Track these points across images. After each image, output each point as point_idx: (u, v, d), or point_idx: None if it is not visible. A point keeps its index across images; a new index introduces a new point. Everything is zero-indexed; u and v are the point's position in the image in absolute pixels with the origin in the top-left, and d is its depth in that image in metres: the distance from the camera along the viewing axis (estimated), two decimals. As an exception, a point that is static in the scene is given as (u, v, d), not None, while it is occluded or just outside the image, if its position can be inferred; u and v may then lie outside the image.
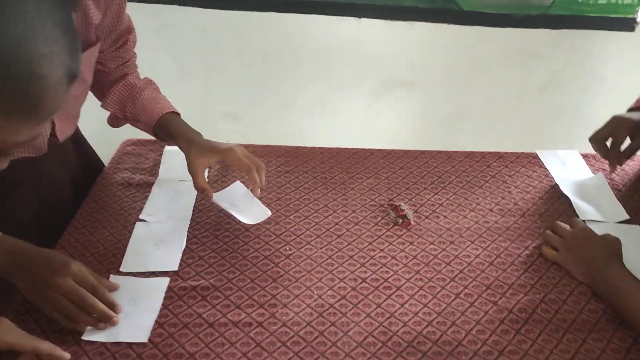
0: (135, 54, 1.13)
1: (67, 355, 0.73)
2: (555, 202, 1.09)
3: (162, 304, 0.84)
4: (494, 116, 2.18)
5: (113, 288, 0.85)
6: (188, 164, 0.97)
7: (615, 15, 1.94)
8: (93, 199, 1.07)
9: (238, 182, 1.05)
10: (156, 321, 0.81)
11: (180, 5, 2.07)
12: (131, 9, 1.05)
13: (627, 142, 1.06)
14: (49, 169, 1.03)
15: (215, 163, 1.03)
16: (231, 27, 2.13)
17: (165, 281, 0.88)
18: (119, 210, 1.04)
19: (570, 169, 1.17)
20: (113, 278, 0.88)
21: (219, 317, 0.83)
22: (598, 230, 0.94)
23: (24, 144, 0.54)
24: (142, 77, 1.12)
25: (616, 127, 1.07)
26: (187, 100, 2.13)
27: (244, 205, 0.99)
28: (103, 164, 1.21)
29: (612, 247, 0.89)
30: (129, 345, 0.78)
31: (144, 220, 1.01)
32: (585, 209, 1.05)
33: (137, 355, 0.77)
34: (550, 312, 0.85)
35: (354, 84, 2.20)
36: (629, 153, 1.08)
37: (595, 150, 1.08)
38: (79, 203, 1.07)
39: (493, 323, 0.83)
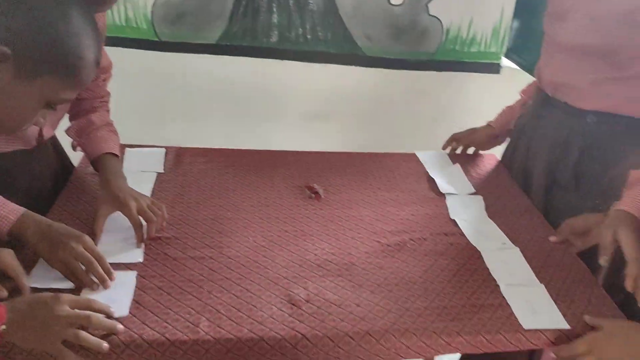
0: (109, 92, 1.39)
1: (26, 289, 0.95)
2: (426, 182, 1.50)
3: (137, 247, 1.14)
4: (396, 144, 2.61)
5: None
6: (96, 206, 1.17)
7: (484, 61, 2.45)
8: (70, 187, 1.35)
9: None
10: (133, 256, 1.12)
11: (123, 47, 2.37)
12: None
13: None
14: (36, 164, 1.30)
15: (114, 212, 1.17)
16: (173, 67, 2.45)
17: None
18: (94, 193, 1.33)
19: (438, 162, 1.59)
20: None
21: (179, 254, 1.14)
22: (453, 199, 1.35)
23: (66, 102, 0.85)
24: (111, 116, 1.37)
25: (468, 134, 1.61)
26: (140, 130, 2.43)
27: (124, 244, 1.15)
28: (74, 165, 1.49)
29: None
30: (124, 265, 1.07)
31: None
32: (444, 186, 1.46)
33: (126, 265, 1.07)
34: (416, 245, 1.23)
35: (280, 117, 2.59)
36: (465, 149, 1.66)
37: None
38: (57, 192, 1.33)
39: (376, 251, 1.20)
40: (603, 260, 1.06)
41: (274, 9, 2.33)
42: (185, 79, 2.48)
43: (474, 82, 2.51)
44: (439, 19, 2.36)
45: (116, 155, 1.30)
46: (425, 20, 2.37)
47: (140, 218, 1.15)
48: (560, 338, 1.01)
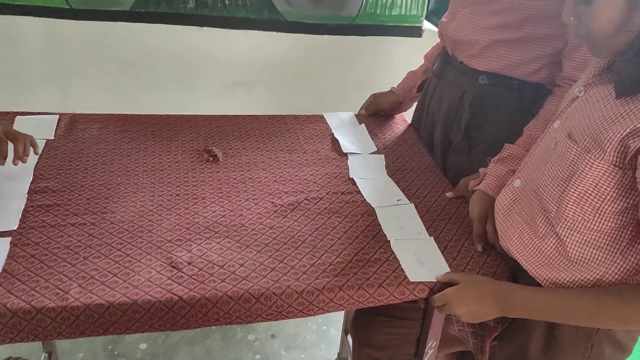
0: None
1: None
2: (330, 143, 1.48)
3: (12, 215, 1.08)
4: (322, 111, 2.58)
5: None
6: None
7: (406, 24, 2.44)
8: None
9: None
10: (6, 225, 1.05)
11: (34, 16, 2.24)
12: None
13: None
14: None
15: None
16: (86, 36, 2.34)
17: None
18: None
19: (345, 123, 1.58)
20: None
21: (58, 221, 1.08)
22: (355, 158, 1.35)
23: None
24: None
25: (372, 101, 1.64)
26: (46, 104, 2.31)
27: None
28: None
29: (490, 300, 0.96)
30: (-17, 239, 1.01)
31: None
32: (348, 146, 1.44)
33: (-10, 245, 1.00)
34: (310, 204, 1.21)
35: (201, 86, 2.51)
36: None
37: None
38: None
39: (269, 212, 1.17)
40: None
41: (188, -28, 2.24)
42: (100, 48, 2.36)
43: (396, 46, 2.50)
44: (358, -18, 2.33)
45: None
46: (345, -17, 2.34)
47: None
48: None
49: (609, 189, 0.86)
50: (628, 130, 0.81)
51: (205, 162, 1.34)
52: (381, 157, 1.41)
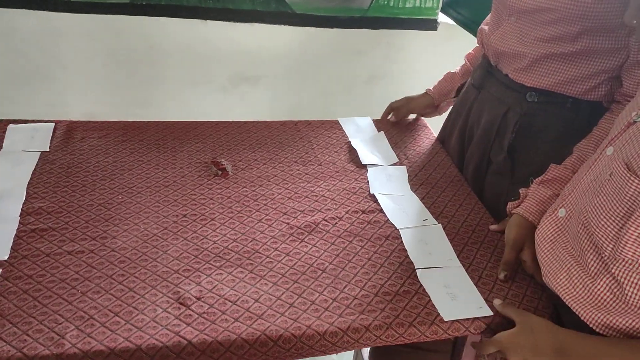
0: None
1: None
2: (347, 153, 1.37)
3: (2, 243, 0.98)
4: (329, 107, 2.48)
5: None
6: None
7: (420, 17, 2.31)
8: None
9: None
10: (-4, 255, 0.95)
11: (29, 9, 2.13)
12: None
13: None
14: None
15: None
16: (84, 29, 2.22)
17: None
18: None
19: (362, 130, 1.46)
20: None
21: (54, 249, 0.98)
22: (375, 171, 1.25)
23: None
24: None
25: (404, 104, 1.52)
26: (44, 101, 2.20)
27: None
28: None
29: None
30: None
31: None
32: (366, 156, 1.33)
33: (-22, 280, 0.90)
34: (329, 225, 1.11)
35: (205, 82, 2.40)
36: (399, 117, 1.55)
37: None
38: None
39: (284, 235, 1.07)
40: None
41: (192, -37, 2.12)
42: (99, 43, 2.25)
43: (410, 40, 2.38)
44: (371, -28, 2.21)
45: None
46: (357, -26, 2.21)
47: None
48: (481, 327, 0.91)
49: None
50: None
51: (214, 177, 1.23)
52: (403, 169, 1.30)
